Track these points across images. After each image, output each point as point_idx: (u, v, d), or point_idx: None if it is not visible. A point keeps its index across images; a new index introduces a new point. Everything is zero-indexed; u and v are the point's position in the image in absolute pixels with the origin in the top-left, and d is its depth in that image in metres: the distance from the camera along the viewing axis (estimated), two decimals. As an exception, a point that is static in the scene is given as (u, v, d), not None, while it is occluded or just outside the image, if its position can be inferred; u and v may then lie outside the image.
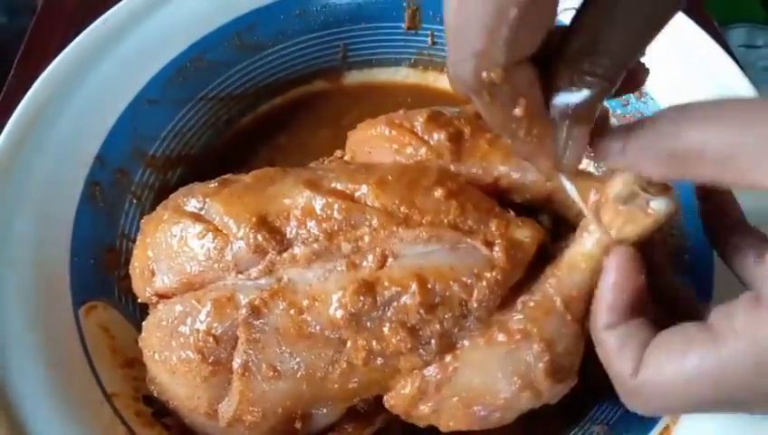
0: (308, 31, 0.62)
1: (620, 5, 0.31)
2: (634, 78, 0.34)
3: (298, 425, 0.42)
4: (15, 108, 0.51)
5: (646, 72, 0.34)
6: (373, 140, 0.47)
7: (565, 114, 0.32)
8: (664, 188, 0.35)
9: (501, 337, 0.38)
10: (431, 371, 0.39)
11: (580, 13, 0.32)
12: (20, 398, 0.42)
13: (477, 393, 0.39)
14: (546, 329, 0.38)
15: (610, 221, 0.36)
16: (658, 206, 0.35)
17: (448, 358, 0.39)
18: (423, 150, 0.44)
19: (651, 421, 0.44)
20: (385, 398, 0.42)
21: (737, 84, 0.53)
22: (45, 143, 0.51)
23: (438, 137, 0.45)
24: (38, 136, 0.51)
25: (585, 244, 0.37)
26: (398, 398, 0.41)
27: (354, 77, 0.67)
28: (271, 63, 0.63)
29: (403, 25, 0.64)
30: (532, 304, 0.39)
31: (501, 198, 0.44)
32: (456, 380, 0.39)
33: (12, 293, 0.46)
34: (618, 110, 0.57)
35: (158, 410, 0.46)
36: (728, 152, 0.29)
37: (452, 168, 0.44)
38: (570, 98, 0.32)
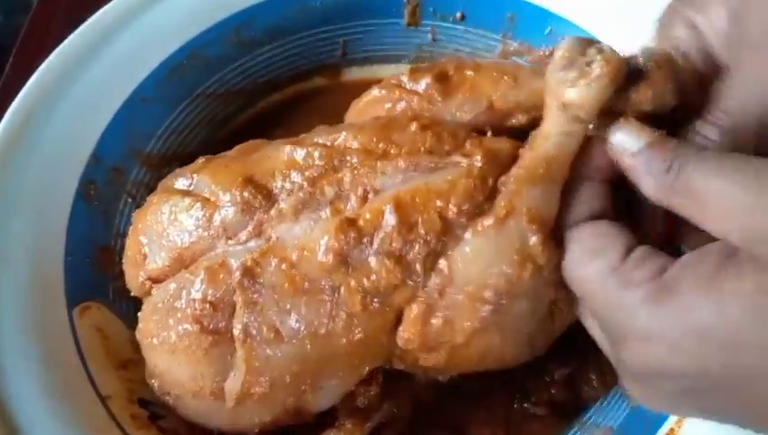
0: (307, 27, 0.62)
1: None
2: None
3: (309, 397, 0.41)
4: (10, 106, 0.50)
5: None
6: (368, 107, 0.48)
7: None
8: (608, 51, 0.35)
9: (488, 221, 0.38)
10: (430, 283, 0.39)
11: None
12: (14, 399, 0.41)
13: (480, 282, 0.38)
14: (529, 197, 0.38)
15: (557, 88, 0.36)
16: (599, 62, 0.35)
17: (442, 263, 0.39)
18: (415, 100, 0.46)
19: (656, 423, 0.43)
20: (398, 336, 0.41)
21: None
22: (40, 142, 0.50)
23: (425, 82, 0.46)
24: (33, 134, 0.50)
25: (545, 123, 0.38)
26: (408, 326, 0.40)
27: (354, 74, 0.66)
28: (269, 60, 0.62)
29: (403, 22, 0.63)
30: (511, 180, 0.39)
31: (500, 125, 0.44)
32: (456, 277, 0.39)
33: (6, 292, 0.45)
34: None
35: (154, 412, 0.45)
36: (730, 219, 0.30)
37: (442, 107, 0.45)
38: None
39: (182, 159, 0.59)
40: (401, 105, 0.46)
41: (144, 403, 0.45)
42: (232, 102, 0.62)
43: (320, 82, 0.65)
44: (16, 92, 0.51)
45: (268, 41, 0.61)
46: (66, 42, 0.54)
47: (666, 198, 0.33)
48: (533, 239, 0.38)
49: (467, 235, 0.39)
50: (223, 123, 0.62)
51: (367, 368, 0.42)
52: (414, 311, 0.40)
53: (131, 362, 0.47)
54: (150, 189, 0.55)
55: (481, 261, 0.38)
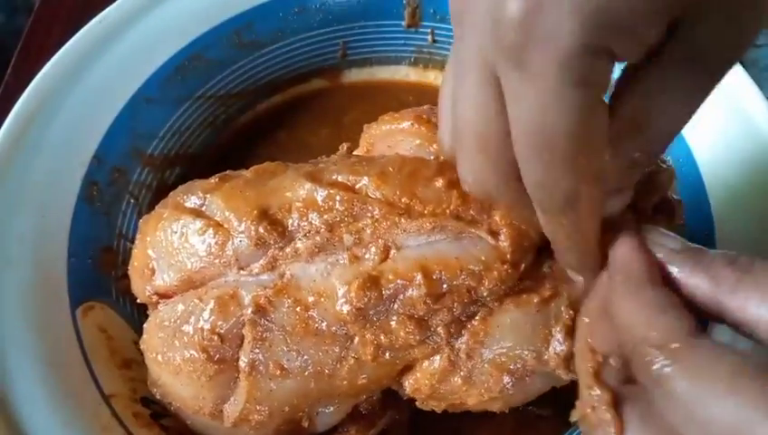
0: (307, 29, 0.62)
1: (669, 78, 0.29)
2: None
3: (305, 423, 0.42)
4: (13, 107, 0.50)
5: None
6: (397, 134, 0.46)
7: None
8: None
9: (534, 298, 0.39)
10: (461, 340, 0.39)
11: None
12: (18, 399, 0.42)
13: (511, 354, 0.39)
14: (571, 283, 0.39)
15: None
16: None
17: (479, 326, 0.39)
18: None
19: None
20: (406, 384, 0.41)
21: (740, 81, 0.53)
22: (43, 142, 0.50)
23: None
24: (35, 135, 0.50)
25: None
26: (423, 377, 0.40)
27: (354, 75, 0.66)
28: (270, 62, 0.62)
29: (403, 23, 0.64)
30: (558, 265, 0.39)
31: None
32: (489, 342, 0.39)
33: (9, 293, 0.45)
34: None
35: (156, 411, 0.45)
36: None
37: None
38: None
39: (184, 160, 0.60)
40: (435, 146, 0.43)
41: (147, 402, 0.46)
42: (233, 104, 0.62)
43: (320, 83, 0.66)
44: (19, 93, 0.51)
45: (269, 43, 0.61)
46: (69, 43, 0.54)
47: (727, 297, 0.29)
48: (564, 319, 0.38)
49: (510, 305, 0.39)
50: (224, 125, 0.63)
51: (364, 397, 0.43)
52: (434, 365, 0.40)
53: (135, 361, 0.47)
54: (153, 191, 0.56)
55: (518, 334, 0.39)
